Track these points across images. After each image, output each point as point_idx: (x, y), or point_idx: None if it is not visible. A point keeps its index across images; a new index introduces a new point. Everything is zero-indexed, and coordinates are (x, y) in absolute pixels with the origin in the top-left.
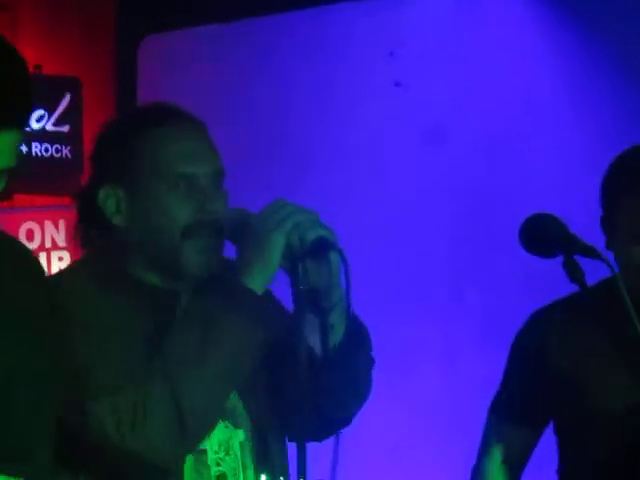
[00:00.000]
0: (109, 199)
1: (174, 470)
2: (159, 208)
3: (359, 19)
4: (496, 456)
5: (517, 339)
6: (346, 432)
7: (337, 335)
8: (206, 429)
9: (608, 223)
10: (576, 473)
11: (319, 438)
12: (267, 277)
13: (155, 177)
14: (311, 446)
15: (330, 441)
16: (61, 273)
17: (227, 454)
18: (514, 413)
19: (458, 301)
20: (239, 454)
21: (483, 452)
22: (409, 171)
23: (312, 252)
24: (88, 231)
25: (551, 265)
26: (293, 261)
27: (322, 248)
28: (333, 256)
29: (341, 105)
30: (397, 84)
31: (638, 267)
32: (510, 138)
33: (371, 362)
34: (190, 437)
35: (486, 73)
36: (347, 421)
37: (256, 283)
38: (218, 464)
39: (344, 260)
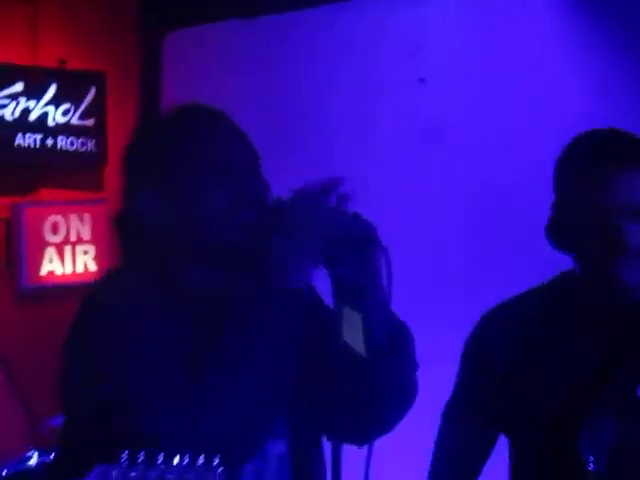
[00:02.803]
0: (146, 204)
1: None
2: (195, 196)
3: (384, 16)
4: (452, 462)
5: (469, 341)
6: None
7: (378, 334)
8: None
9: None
10: (527, 470)
11: (363, 442)
12: (307, 273)
13: (188, 169)
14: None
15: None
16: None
17: (265, 464)
18: (469, 417)
19: (474, 302)
20: (276, 466)
21: (438, 458)
22: (428, 167)
23: (355, 248)
24: (127, 241)
25: (567, 261)
26: (334, 256)
27: (365, 244)
28: (376, 253)
29: (365, 101)
30: (421, 80)
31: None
32: (533, 135)
33: (414, 365)
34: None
35: (508, 70)
36: (390, 426)
37: (296, 280)
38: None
39: (387, 258)
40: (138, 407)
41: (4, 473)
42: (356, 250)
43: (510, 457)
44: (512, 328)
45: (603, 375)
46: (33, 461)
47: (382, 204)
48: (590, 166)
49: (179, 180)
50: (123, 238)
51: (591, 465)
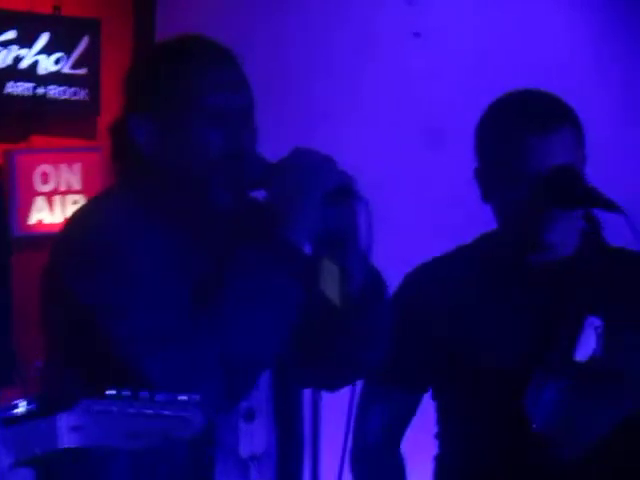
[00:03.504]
0: (139, 128)
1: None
2: (188, 137)
3: None
4: (376, 422)
5: (395, 298)
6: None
7: (355, 284)
8: (251, 383)
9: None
10: (459, 435)
11: (334, 386)
12: (310, 228)
13: (186, 105)
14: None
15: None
16: (95, 199)
17: (256, 390)
18: (394, 375)
19: None
20: (265, 391)
21: (362, 417)
22: (424, 124)
23: (333, 198)
24: (120, 164)
25: None
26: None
27: (344, 194)
28: (354, 203)
29: (354, 53)
30: (416, 34)
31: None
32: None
33: (389, 315)
34: (235, 392)
35: (507, 28)
36: (366, 369)
37: (299, 234)
38: (247, 399)
39: (367, 210)
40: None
41: None
42: (336, 200)
43: (439, 423)
44: (438, 288)
45: (535, 336)
46: (21, 409)
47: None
48: (508, 130)
49: (173, 114)
50: (116, 155)
51: (534, 426)
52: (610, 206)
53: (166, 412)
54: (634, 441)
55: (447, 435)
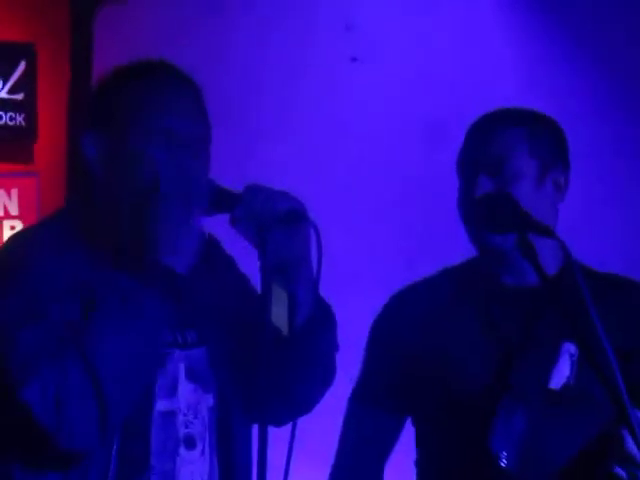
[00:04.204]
0: (91, 146)
1: (93, 449)
2: (134, 158)
3: None
4: (358, 448)
5: (375, 324)
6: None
7: (303, 312)
8: (128, 400)
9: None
10: (434, 463)
11: (279, 421)
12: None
13: (135, 126)
14: (273, 433)
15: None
16: (26, 230)
17: (195, 417)
18: (376, 401)
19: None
20: (207, 418)
21: (345, 443)
22: (363, 147)
23: (283, 223)
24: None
25: None
26: (263, 232)
27: (294, 219)
28: (305, 229)
29: (300, 79)
30: (353, 59)
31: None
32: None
33: (335, 346)
34: (110, 410)
35: (445, 50)
36: (308, 407)
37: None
38: (187, 426)
39: (317, 232)
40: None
41: None
42: (286, 226)
43: (417, 450)
44: (421, 311)
45: (509, 363)
46: None
47: (322, 183)
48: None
49: (122, 133)
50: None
51: (503, 461)
52: (543, 230)
53: None
54: (595, 468)
55: (423, 463)
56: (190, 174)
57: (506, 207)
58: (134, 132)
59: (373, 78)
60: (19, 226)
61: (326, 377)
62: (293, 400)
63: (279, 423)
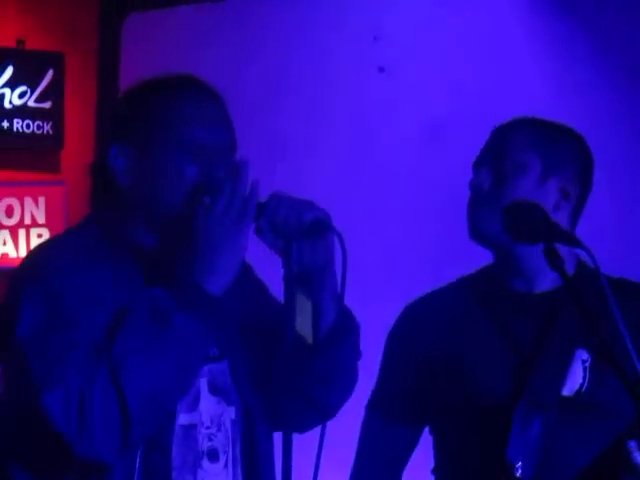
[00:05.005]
0: (118, 157)
1: (113, 463)
2: (165, 167)
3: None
4: (376, 456)
5: (391, 333)
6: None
7: (327, 320)
8: (153, 419)
9: None
10: (452, 471)
11: (302, 428)
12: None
13: (165, 137)
14: (298, 438)
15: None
16: (54, 239)
17: (219, 430)
18: (393, 410)
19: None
20: (230, 431)
21: (362, 452)
22: (390, 157)
23: (308, 233)
24: (99, 195)
25: None
26: (287, 241)
27: (319, 229)
28: (329, 238)
29: (328, 91)
30: (381, 69)
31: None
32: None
33: (358, 354)
34: (134, 428)
35: (472, 60)
36: (331, 412)
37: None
38: (210, 439)
39: (342, 243)
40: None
41: None
42: (311, 235)
43: (435, 458)
44: (435, 320)
45: (524, 370)
46: None
47: (348, 194)
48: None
49: (150, 145)
50: (95, 186)
51: (519, 470)
52: (570, 240)
53: None
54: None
55: (440, 471)
56: (218, 181)
57: (534, 216)
58: (163, 144)
59: (401, 88)
60: (46, 234)
61: (348, 384)
62: (316, 407)
63: (302, 429)
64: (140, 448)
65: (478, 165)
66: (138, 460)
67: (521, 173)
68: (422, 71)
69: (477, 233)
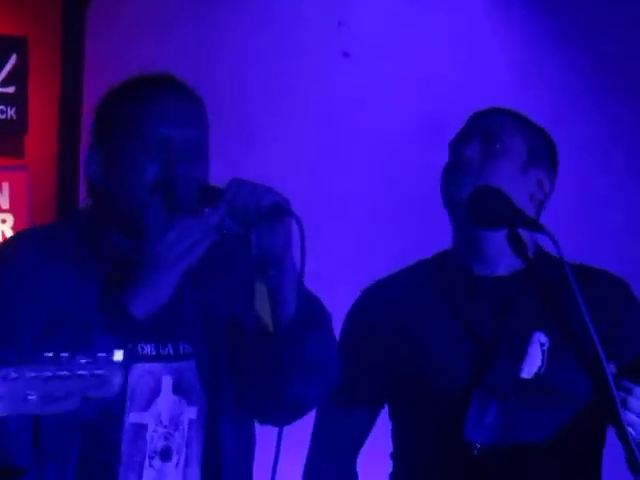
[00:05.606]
0: (91, 162)
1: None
2: (128, 167)
3: None
4: (331, 439)
5: (348, 316)
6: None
7: (288, 309)
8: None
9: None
10: (411, 455)
11: (276, 421)
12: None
13: (131, 139)
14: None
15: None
16: (27, 231)
17: (176, 429)
18: (348, 393)
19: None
20: (186, 431)
21: (317, 434)
22: (354, 143)
23: (267, 217)
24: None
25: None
26: (246, 227)
27: (278, 213)
28: (288, 222)
29: (292, 76)
30: (345, 54)
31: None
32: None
33: (329, 347)
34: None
35: (437, 46)
36: (308, 405)
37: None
38: (166, 438)
39: (300, 226)
40: None
41: None
42: (268, 219)
43: (393, 442)
44: (393, 302)
45: (482, 353)
46: None
47: (317, 178)
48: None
49: (118, 145)
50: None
51: (476, 451)
52: (534, 226)
53: (83, 372)
54: (569, 454)
55: (399, 455)
56: (179, 175)
57: (498, 201)
58: (129, 143)
59: (365, 74)
60: (10, 220)
61: (319, 377)
62: (280, 399)
63: (277, 423)
64: (77, 445)
65: (467, 140)
66: (76, 455)
67: (508, 156)
68: (387, 56)
69: (453, 198)
